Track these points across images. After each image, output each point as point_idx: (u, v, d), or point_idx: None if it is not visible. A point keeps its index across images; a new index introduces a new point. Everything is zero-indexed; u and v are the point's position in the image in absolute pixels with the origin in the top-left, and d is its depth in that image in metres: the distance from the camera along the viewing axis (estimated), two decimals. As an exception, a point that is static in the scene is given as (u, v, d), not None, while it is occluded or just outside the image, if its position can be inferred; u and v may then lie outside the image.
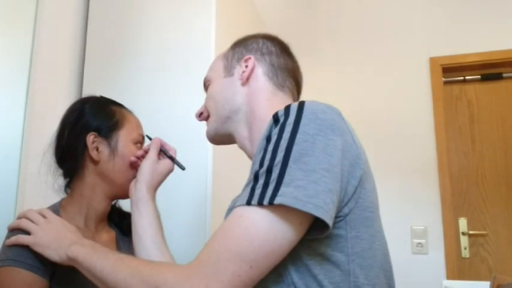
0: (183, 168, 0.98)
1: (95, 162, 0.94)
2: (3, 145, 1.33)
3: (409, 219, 2.49)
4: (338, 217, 0.64)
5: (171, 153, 0.98)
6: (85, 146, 0.93)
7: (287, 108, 0.65)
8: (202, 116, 0.93)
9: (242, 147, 0.87)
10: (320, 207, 0.58)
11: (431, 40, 2.65)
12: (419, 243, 2.45)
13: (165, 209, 1.37)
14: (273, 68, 0.86)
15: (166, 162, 0.96)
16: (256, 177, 0.63)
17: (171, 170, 0.97)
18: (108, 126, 0.95)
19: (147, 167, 0.92)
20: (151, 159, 0.93)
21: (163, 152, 0.97)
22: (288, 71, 0.88)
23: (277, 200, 0.58)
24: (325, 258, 0.63)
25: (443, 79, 2.62)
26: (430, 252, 2.44)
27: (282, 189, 0.58)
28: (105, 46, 1.66)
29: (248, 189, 0.62)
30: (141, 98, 1.54)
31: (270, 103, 0.83)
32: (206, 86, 0.94)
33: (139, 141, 0.99)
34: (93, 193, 0.94)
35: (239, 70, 0.87)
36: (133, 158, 0.95)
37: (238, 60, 0.88)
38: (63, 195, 0.99)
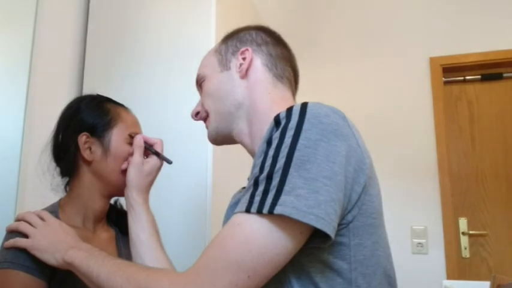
0: (169, 162, 0.95)
1: (88, 163, 0.93)
2: (3, 145, 1.33)
3: (409, 219, 2.49)
4: (341, 225, 0.62)
5: (157, 146, 0.95)
6: (77, 146, 0.92)
7: (289, 111, 0.63)
8: (199, 115, 0.90)
9: (243, 144, 0.85)
10: (321, 218, 0.56)
11: (431, 40, 2.65)
12: (419, 243, 2.45)
13: (165, 211, 1.37)
14: (271, 58, 0.83)
15: (153, 160, 0.94)
16: (256, 183, 0.61)
17: (159, 168, 0.95)
18: (101, 125, 0.94)
19: (132, 173, 0.90)
20: (135, 163, 0.91)
21: (148, 149, 0.95)
22: (286, 60, 0.85)
23: (277, 210, 0.56)
24: (327, 266, 0.62)
25: (443, 79, 2.62)
26: (430, 252, 2.43)
27: (282, 198, 0.57)
28: (105, 46, 1.66)
29: (247, 196, 0.61)
30: (141, 98, 1.54)
31: (271, 97, 0.80)
32: (199, 83, 0.91)
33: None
34: (90, 192, 0.94)
35: (236, 63, 0.83)
36: (124, 166, 0.93)
37: (234, 53, 0.84)
38: (61, 194, 0.98)
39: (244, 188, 0.82)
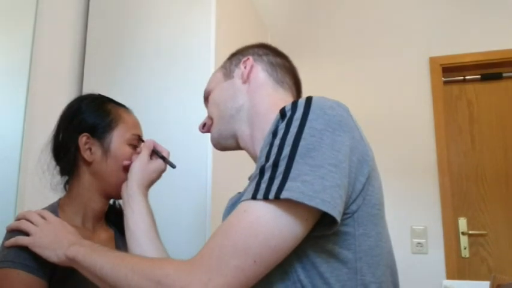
0: (173, 167, 0.98)
1: (88, 163, 0.93)
2: (3, 145, 1.33)
3: (409, 219, 2.49)
4: (346, 214, 0.63)
5: (164, 154, 0.98)
6: (78, 147, 0.93)
7: (294, 103, 0.65)
8: (206, 126, 0.93)
9: (244, 147, 0.87)
10: (327, 202, 0.57)
11: (431, 40, 2.65)
12: (419, 243, 2.45)
13: (166, 211, 1.37)
14: (271, 65, 0.87)
15: (158, 162, 0.96)
16: (262, 171, 0.62)
17: (162, 170, 0.97)
18: (102, 127, 0.94)
19: (137, 166, 0.92)
20: (142, 158, 0.94)
21: (155, 153, 0.98)
22: (286, 68, 0.89)
23: (284, 195, 0.57)
24: (332, 256, 0.63)
25: (443, 79, 2.62)
26: (430, 252, 2.44)
27: (289, 184, 0.58)
28: (105, 46, 1.66)
29: (253, 184, 0.62)
30: (141, 99, 1.54)
31: (272, 99, 0.83)
32: (206, 97, 0.94)
33: (134, 142, 0.97)
34: (89, 193, 0.94)
35: (238, 72, 0.87)
36: (126, 162, 0.94)
37: (237, 65, 0.89)
38: (61, 194, 0.98)
39: (240, 192, 0.84)
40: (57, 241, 0.80)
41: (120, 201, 1.06)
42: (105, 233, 1.00)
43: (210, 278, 0.57)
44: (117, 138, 0.95)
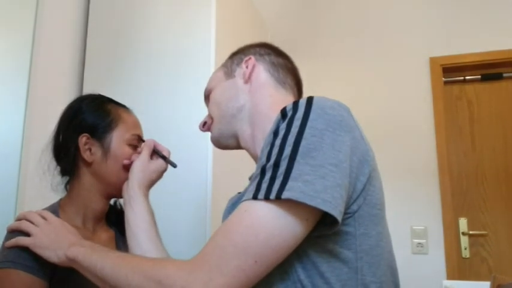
0: (174, 166, 0.98)
1: (88, 164, 0.93)
2: (3, 145, 1.33)
3: (409, 219, 2.49)
4: (346, 214, 0.63)
5: (164, 153, 0.98)
6: (78, 147, 0.93)
7: (295, 103, 0.65)
8: (206, 125, 0.93)
9: (245, 146, 0.87)
10: (328, 202, 0.57)
11: (431, 40, 2.65)
12: (419, 243, 2.45)
13: (166, 210, 1.37)
14: (273, 65, 0.87)
15: (159, 161, 0.96)
16: (263, 171, 0.62)
17: (163, 169, 0.97)
18: (102, 127, 0.94)
19: (138, 166, 0.92)
20: (143, 158, 0.93)
21: (156, 153, 0.98)
22: (288, 69, 0.89)
23: (285, 195, 0.57)
24: (333, 255, 0.63)
25: (443, 79, 2.62)
26: (430, 252, 2.44)
27: (290, 184, 0.58)
28: (105, 46, 1.66)
29: (254, 184, 0.62)
30: (141, 99, 1.54)
31: (273, 99, 0.83)
32: (207, 96, 0.94)
33: (134, 142, 0.97)
34: (90, 193, 0.94)
35: (240, 71, 0.88)
36: (126, 161, 0.94)
37: (238, 64, 0.89)
38: (62, 194, 0.99)
39: (240, 193, 0.84)
40: (58, 241, 0.80)
41: (121, 201, 1.06)
42: (106, 234, 0.99)
43: (211, 277, 0.57)
44: (117, 139, 0.95)
